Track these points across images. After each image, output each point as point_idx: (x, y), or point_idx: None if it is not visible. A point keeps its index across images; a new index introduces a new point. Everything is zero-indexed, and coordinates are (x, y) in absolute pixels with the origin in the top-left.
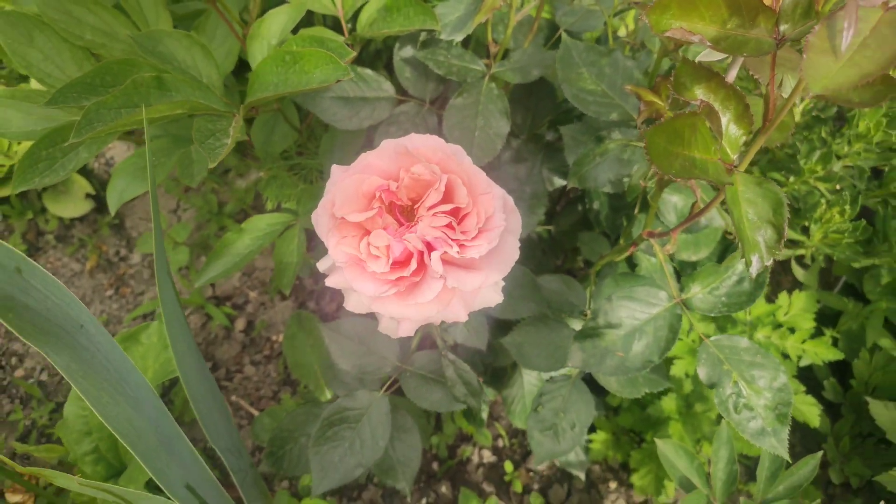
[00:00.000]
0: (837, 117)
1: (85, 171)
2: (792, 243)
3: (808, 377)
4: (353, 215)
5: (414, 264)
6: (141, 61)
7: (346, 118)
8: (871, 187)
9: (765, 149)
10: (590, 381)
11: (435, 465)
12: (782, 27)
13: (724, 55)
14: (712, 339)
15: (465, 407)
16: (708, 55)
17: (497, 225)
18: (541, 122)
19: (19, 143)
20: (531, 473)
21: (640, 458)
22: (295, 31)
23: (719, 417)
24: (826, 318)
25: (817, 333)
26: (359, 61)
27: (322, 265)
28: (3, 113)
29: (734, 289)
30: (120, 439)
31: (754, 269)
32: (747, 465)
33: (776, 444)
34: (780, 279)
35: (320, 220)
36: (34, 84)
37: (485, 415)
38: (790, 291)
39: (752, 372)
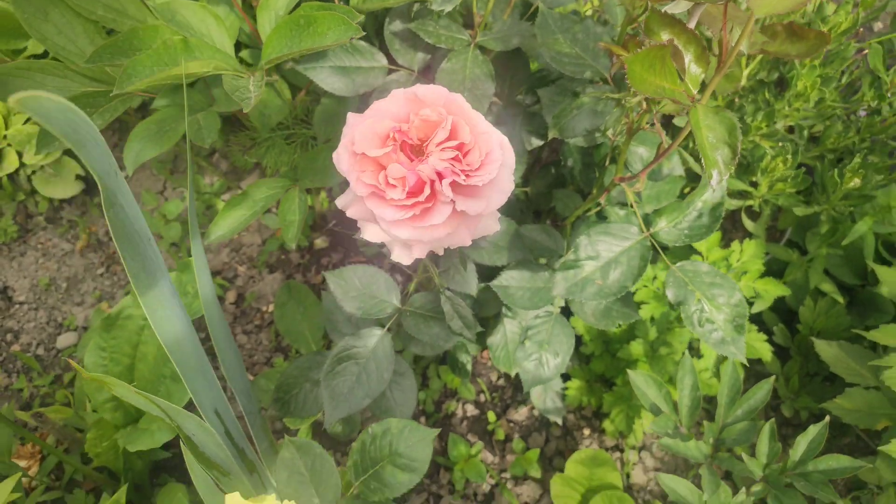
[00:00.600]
0: (779, 82)
1: (75, 153)
2: (741, 195)
3: (758, 323)
4: (373, 151)
5: (427, 190)
6: (164, 28)
7: (342, 86)
8: (810, 148)
9: None
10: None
11: (423, 420)
12: None
13: (686, 7)
14: (677, 265)
15: (460, 339)
16: (674, 6)
17: (496, 159)
18: (517, 90)
19: (8, 128)
20: (512, 424)
21: (612, 399)
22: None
23: (681, 360)
24: (773, 272)
25: (766, 275)
26: None
27: (341, 201)
28: (31, 82)
29: (695, 223)
30: (169, 355)
31: (714, 182)
32: (707, 409)
33: (735, 351)
34: (731, 235)
35: (341, 158)
36: None
37: (469, 367)
38: (741, 242)
39: (713, 291)
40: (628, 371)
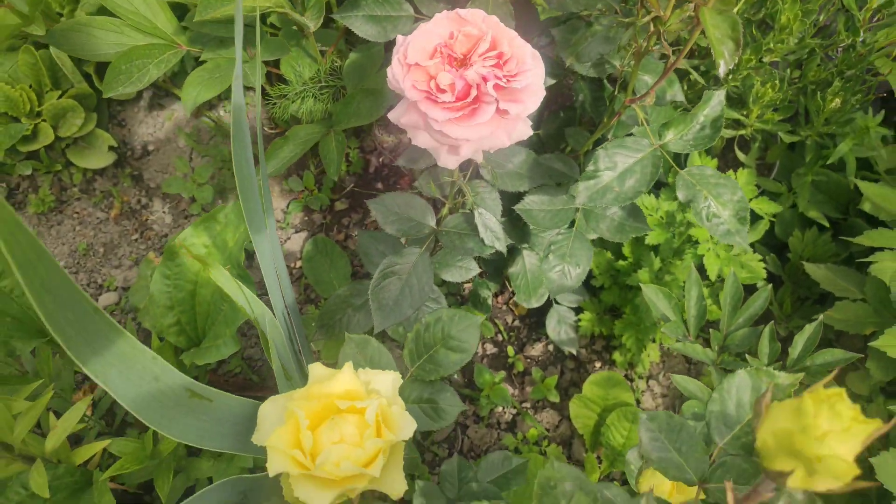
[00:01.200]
0: (763, 23)
1: (105, 126)
2: (735, 125)
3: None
4: (424, 61)
5: (474, 93)
6: None
7: (374, 33)
8: (793, 81)
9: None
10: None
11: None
12: None
13: None
14: (685, 170)
15: (493, 250)
16: None
17: (530, 67)
18: (530, 37)
19: (42, 104)
20: (528, 359)
21: (622, 325)
22: None
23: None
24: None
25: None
26: None
27: (393, 114)
28: (89, 37)
29: (698, 134)
30: (265, 277)
31: (722, 69)
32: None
33: (740, 240)
34: (723, 171)
35: (395, 71)
36: None
37: (489, 302)
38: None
39: (718, 190)
40: (642, 285)
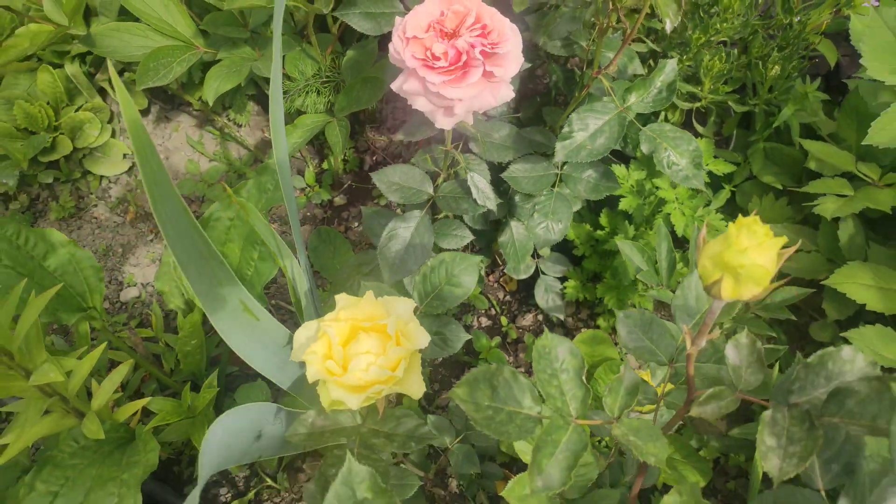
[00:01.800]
0: (711, 6)
1: (118, 137)
2: (691, 98)
3: None
4: (421, 34)
5: (464, 58)
6: None
7: (370, 27)
8: (740, 58)
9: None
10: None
11: None
12: None
13: None
14: (647, 126)
15: (484, 209)
16: None
17: (510, 37)
18: None
19: (59, 118)
20: (520, 329)
21: (603, 289)
22: None
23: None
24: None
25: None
26: None
27: (395, 84)
28: (120, 39)
29: (657, 96)
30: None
31: (668, 26)
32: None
33: (696, 183)
34: None
35: (396, 45)
36: None
37: (482, 272)
38: None
39: (676, 142)
40: (618, 241)
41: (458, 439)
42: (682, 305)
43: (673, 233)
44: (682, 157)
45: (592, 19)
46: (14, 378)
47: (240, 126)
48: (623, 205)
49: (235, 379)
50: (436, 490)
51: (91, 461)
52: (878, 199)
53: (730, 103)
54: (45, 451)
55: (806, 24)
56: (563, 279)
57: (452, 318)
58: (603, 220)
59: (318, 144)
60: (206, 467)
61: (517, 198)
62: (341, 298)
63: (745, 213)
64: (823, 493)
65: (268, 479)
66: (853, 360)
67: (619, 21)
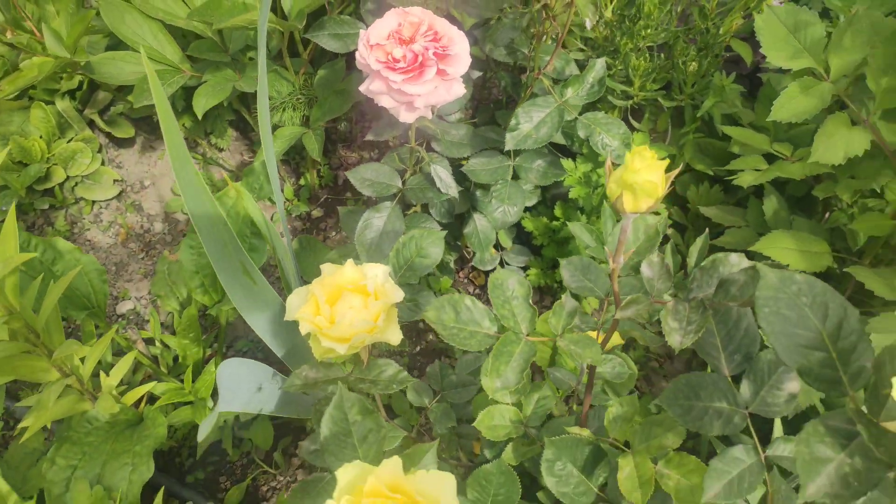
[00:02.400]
0: (636, 16)
1: (108, 163)
2: (626, 96)
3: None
4: (382, 41)
5: (420, 59)
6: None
7: (337, 46)
8: (665, 62)
9: (598, 44)
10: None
11: (421, 325)
12: None
13: None
14: (582, 115)
15: (447, 197)
16: None
17: (458, 41)
18: None
19: (52, 150)
20: None
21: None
22: None
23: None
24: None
25: None
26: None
27: (363, 86)
28: (115, 67)
29: (589, 90)
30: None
31: (588, 23)
32: None
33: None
34: None
35: (362, 52)
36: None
37: (452, 266)
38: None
39: (608, 127)
40: (568, 223)
41: (435, 399)
42: (611, 243)
43: None
44: (613, 139)
45: (531, 28)
46: (39, 359)
47: (221, 150)
48: (573, 193)
49: None
50: None
51: (105, 438)
52: (789, 170)
53: (659, 99)
54: (61, 432)
55: (720, 27)
56: (525, 268)
57: (424, 286)
58: (557, 211)
59: (294, 164)
60: (223, 397)
61: (478, 193)
62: (326, 267)
63: (685, 201)
64: (729, 378)
65: (263, 465)
66: (739, 263)
67: (551, 26)
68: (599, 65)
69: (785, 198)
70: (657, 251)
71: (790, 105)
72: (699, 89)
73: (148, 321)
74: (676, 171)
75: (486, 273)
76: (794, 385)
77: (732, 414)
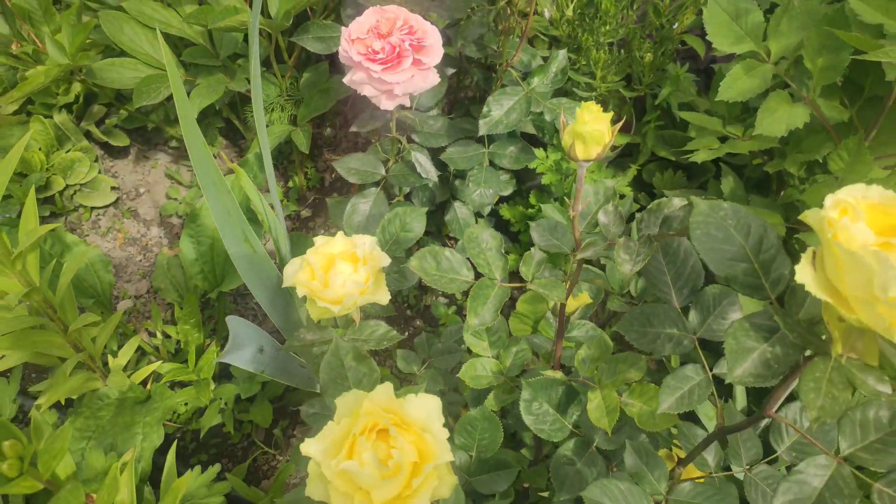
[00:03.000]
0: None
1: (104, 172)
2: (589, 88)
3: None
4: (363, 36)
5: (397, 50)
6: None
7: (321, 48)
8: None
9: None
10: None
11: (408, 312)
12: None
13: None
14: (547, 101)
15: (426, 181)
16: None
17: (431, 34)
18: None
19: (51, 161)
20: None
21: None
22: None
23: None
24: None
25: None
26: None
27: (347, 78)
28: (116, 72)
29: (554, 79)
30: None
31: (547, 14)
32: None
33: None
34: None
35: (344, 45)
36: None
37: None
38: None
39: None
40: (543, 206)
41: (424, 366)
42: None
43: None
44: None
45: (498, 25)
46: (55, 334)
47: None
48: (545, 180)
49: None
50: None
51: (116, 413)
52: (740, 146)
53: (620, 90)
54: (74, 410)
55: (673, 22)
56: (506, 251)
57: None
58: (532, 199)
59: (283, 167)
60: (231, 344)
61: (457, 182)
62: (319, 239)
63: (651, 187)
64: (679, 309)
65: (263, 446)
66: (680, 204)
67: (516, 21)
68: (562, 55)
69: (743, 181)
70: (612, 203)
71: (735, 85)
72: (657, 80)
73: (147, 318)
74: (619, 125)
75: None
76: (737, 314)
77: (682, 338)
